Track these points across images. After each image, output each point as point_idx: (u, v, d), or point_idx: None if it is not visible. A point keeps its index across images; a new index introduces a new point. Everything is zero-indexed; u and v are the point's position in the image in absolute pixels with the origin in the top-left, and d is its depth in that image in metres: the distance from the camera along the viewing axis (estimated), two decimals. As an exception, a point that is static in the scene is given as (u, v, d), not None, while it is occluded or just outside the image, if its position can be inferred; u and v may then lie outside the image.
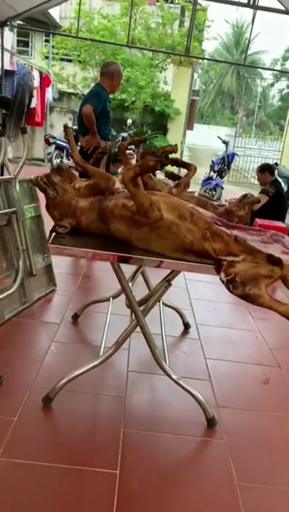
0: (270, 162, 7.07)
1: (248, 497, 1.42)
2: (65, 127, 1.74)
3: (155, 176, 2.06)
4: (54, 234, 1.57)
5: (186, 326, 2.60)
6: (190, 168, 1.82)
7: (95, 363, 1.78)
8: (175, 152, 1.50)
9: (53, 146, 8.62)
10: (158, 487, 1.44)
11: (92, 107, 3.46)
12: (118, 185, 1.65)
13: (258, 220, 4.33)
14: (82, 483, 1.40)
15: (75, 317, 2.51)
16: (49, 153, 8.87)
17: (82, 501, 1.34)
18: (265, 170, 4.96)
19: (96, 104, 3.50)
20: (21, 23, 6.63)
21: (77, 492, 1.37)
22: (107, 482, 1.41)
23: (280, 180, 5.17)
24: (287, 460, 1.65)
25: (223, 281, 1.40)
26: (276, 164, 6.14)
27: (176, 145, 1.50)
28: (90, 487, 1.39)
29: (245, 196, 1.77)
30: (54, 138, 8.71)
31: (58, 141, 8.59)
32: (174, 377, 1.77)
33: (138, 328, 1.77)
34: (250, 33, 6.76)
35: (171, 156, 1.71)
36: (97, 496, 1.36)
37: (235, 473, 1.52)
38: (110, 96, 3.92)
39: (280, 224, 4.47)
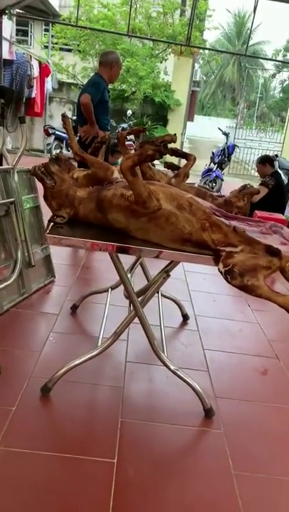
0: (271, 154, 7.01)
1: (244, 486, 1.44)
2: (63, 116, 1.72)
3: (154, 166, 2.05)
4: (52, 224, 1.56)
5: (185, 318, 2.60)
6: (189, 158, 1.80)
7: (93, 353, 1.78)
8: (174, 142, 1.48)
9: (53, 136, 8.56)
10: (155, 476, 1.45)
11: (90, 97, 3.42)
12: (116, 175, 1.64)
13: (258, 212, 4.32)
14: (80, 471, 1.41)
15: (74, 308, 2.51)
16: (48, 144, 8.81)
17: (80, 489, 1.35)
18: (266, 162, 4.93)
19: (94, 94, 3.46)
20: (20, 11, 6.54)
21: (75, 480, 1.38)
22: (104, 471, 1.42)
23: (280, 172, 5.14)
24: (283, 450, 1.66)
25: (221, 272, 1.39)
26: (276, 156, 6.10)
27: (175, 134, 1.48)
28: (87, 476, 1.40)
29: (244, 187, 1.76)
30: (53, 129, 8.65)
31: (57, 132, 8.53)
32: (171, 367, 1.77)
33: (137, 320, 1.77)
34: (252, 23, 6.66)
35: (171, 146, 1.70)
36: (95, 484, 1.37)
37: (232, 462, 1.53)
38: (110, 86, 3.88)
39: (280, 216, 4.46)
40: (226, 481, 1.45)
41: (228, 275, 1.37)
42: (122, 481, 1.39)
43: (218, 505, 1.37)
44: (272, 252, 1.36)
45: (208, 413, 1.76)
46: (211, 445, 1.65)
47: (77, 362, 1.77)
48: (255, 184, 4.51)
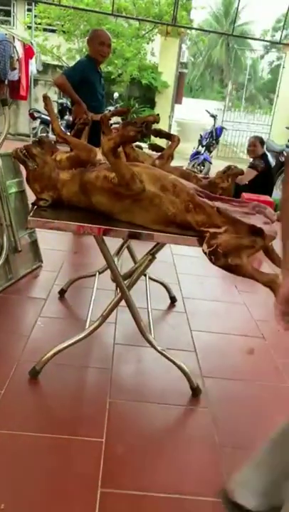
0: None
1: (229, 460, 1.47)
2: (45, 97, 1.69)
3: (141, 148, 2.02)
4: (35, 207, 1.55)
5: (173, 300, 2.62)
6: (173, 139, 1.79)
7: (81, 336, 1.79)
8: (157, 122, 1.47)
9: (38, 120, 8.40)
10: (143, 453, 1.48)
11: (65, 77, 3.43)
12: (100, 156, 1.62)
13: (245, 195, 4.33)
14: (69, 451, 1.44)
15: (62, 292, 2.51)
16: (34, 128, 8.65)
17: (70, 468, 1.37)
18: (259, 140, 4.92)
19: (70, 74, 3.48)
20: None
21: (64, 460, 1.40)
22: (93, 450, 1.45)
23: (268, 154, 5.13)
24: (266, 426, 1.68)
25: (205, 253, 1.40)
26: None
27: (158, 115, 1.47)
28: (76, 455, 1.43)
29: (228, 168, 1.75)
30: (39, 112, 8.47)
31: (43, 116, 8.36)
32: (158, 348, 1.79)
33: (125, 303, 1.77)
34: (238, 2, 6.56)
35: (155, 126, 1.68)
36: (84, 463, 1.40)
37: (218, 438, 1.57)
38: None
39: (267, 198, 4.47)
40: (212, 456, 1.49)
41: (212, 256, 1.38)
42: (111, 459, 1.42)
43: (205, 479, 1.41)
44: (256, 231, 1.37)
45: (195, 392, 1.79)
46: (197, 423, 1.68)
47: (64, 345, 1.78)
48: (243, 167, 4.51)
